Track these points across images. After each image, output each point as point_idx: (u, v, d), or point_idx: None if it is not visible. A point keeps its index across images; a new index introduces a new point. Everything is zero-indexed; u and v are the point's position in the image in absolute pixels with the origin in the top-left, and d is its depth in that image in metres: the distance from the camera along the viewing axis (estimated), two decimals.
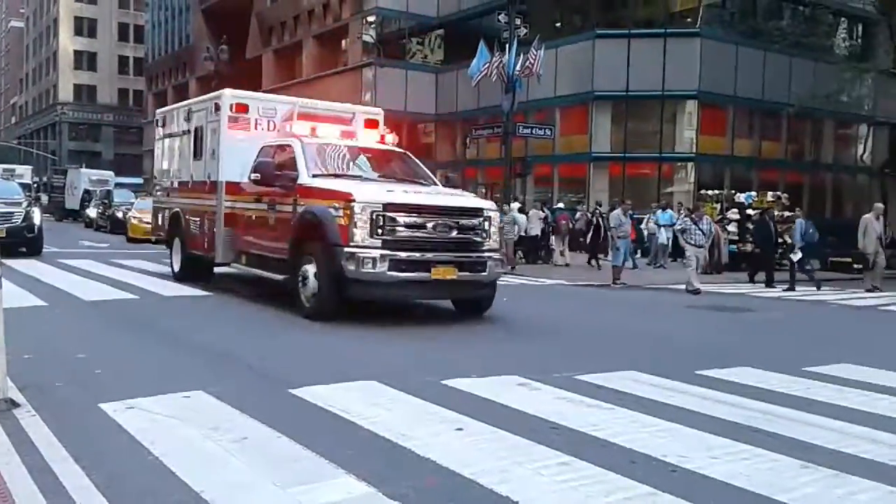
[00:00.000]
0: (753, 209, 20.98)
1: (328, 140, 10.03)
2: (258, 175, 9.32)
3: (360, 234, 7.94)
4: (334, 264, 8.05)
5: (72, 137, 78.45)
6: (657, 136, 27.77)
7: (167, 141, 13.26)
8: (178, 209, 12.34)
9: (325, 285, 8.24)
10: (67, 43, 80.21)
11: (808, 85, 25.66)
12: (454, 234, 8.43)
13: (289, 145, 9.66)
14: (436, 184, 9.98)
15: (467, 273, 8.49)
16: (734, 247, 20.29)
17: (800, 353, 7.60)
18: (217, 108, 10.87)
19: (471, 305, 9.44)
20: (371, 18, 38.05)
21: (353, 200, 8.02)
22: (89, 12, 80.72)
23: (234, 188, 10.47)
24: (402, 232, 8.11)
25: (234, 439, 4.08)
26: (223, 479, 3.54)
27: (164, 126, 13.52)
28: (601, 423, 4.61)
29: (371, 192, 8.30)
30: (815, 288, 15.61)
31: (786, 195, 22.00)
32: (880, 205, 17.18)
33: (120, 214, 27.47)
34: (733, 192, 24.48)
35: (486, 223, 8.71)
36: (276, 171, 9.21)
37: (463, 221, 8.53)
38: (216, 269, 12.08)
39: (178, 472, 3.59)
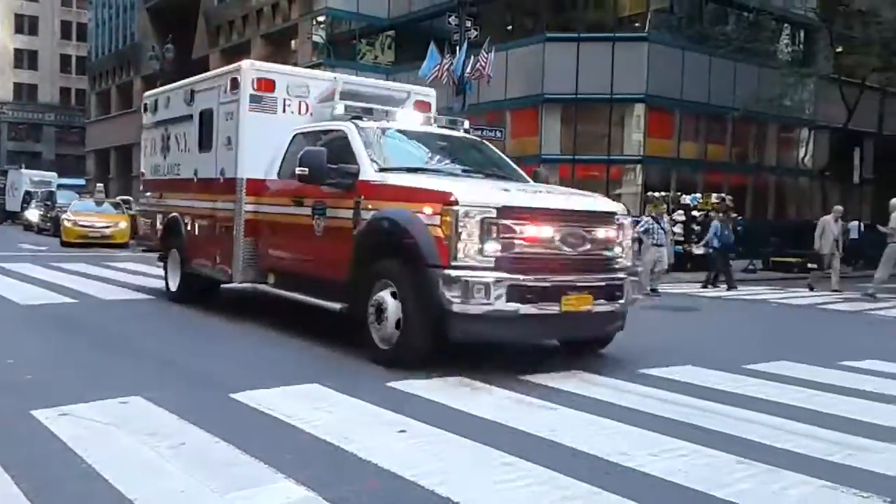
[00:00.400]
0: (698, 210, 21.39)
1: (389, 124, 7.89)
2: (305, 169, 6.94)
3: (467, 249, 5.80)
4: (429, 292, 5.86)
5: (11, 137, 76.16)
6: (606, 139, 28.12)
7: (160, 129, 10.80)
8: (175, 213, 9.93)
9: (415, 322, 6.01)
10: (7, 41, 77.83)
11: (752, 89, 26.24)
12: (587, 247, 6.33)
13: (338, 131, 7.51)
14: (528, 180, 7.92)
15: (603, 301, 6.34)
16: (679, 248, 20.65)
17: (740, 352, 7.75)
18: (234, 85, 8.59)
19: (587, 344, 7.19)
20: (321, 19, 37.80)
21: (456, 203, 5.84)
22: (30, 10, 78.45)
23: (258, 187, 8.30)
24: (523, 247, 5.99)
25: (171, 445, 3.99)
26: (158, 487, 3.46)
27: (154, 112, 11.08)
28: (545, 423, 4.63)
29: (479, 192, 6.22)
30: (709, 285, 16.10)
31: (730, 197, 22.42)
32: (839, 207, 17.46)
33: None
34: (679, 193, 24.91)
35: (620, 232, 6.65)
36: (330, 165, 6.96)
37: (596, 231, 6.43)
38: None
39: (111, 479, 3.49)
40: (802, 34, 32.08)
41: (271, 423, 4.49)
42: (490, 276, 5.77)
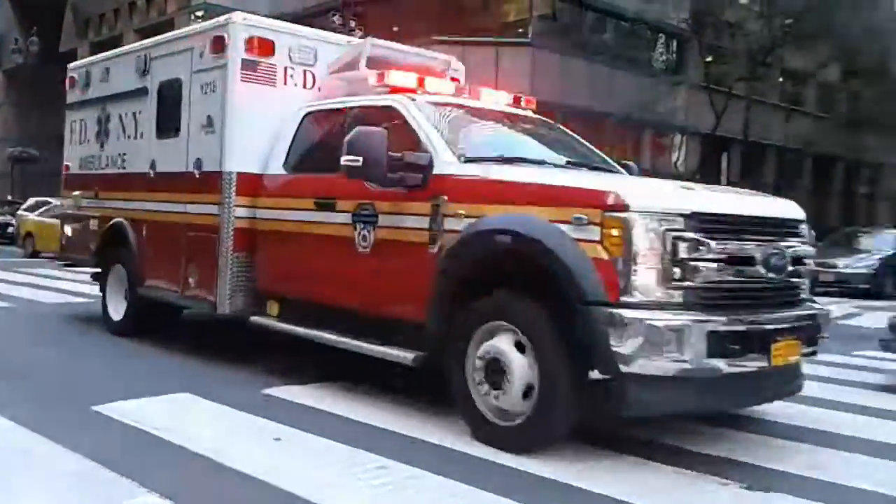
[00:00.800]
0: None
1: (452, 100, 5.95)
2: (358, 159, 4.87)
3: (646, 278, 3.96)
4: (588, 344, 3.97)
5: None
6: None
7: (94, 110, 8.41)
8: (120, 219, 7.60)
9: (559, 388, 4.05)
10: None
11: (630, 95, 27.31)
12: (787, 271, 4.43)
13: (383, 107, 5.52)
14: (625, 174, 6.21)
15: (806, 348, 4.52)
16: None
17: None
18: (218, 46, 6.50)
19: None
20: (199, 13, 36.53)
21: (625, 207, 3.99)
22: None
23: (254, 184, 6.24)
24: (717, 272, 4.09)
25: (24, 463, 3.71)
26: None
27: (85, 87, 8.64)
28: (425, 425, 4.60)
29: (656, 192, 4.42)
30: None
31: None
32: None
33: None
34: None
35: (807, 248, 4.75)
36: (393, 153, 4.91)
37: (792, 247, 4.52)
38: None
39: None
40: (675, 44, 33.65)
41: (136, 436, 4.24)
42: (683, 318, 3.93)
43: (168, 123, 7.11)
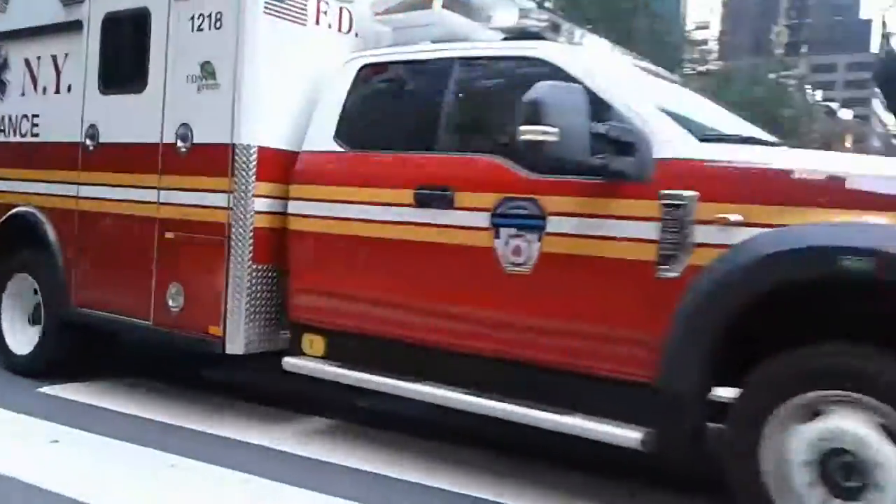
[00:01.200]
0: None
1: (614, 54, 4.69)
2: (554, 131, 3.12)
3: None
4: None
5: None
6: None
7: None
8: (29, 207, 5.39)
9: None
10: None
11: None
12: None
13: (521, 60, 3.81)
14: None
15: None
16: None
17: None
18: None
19: None
20: None
21: None
22: None
23: (282, 164, 4.36)
24: None
25: None
26: None
27: None
28: (214, 420, 4.38)
29: None
30: None
31: None
32: None
33: None
34: None
35: None
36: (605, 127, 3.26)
37: None
38: None
39: None
40: None
41: None
42: None
43: (123, 73, 5.05)
